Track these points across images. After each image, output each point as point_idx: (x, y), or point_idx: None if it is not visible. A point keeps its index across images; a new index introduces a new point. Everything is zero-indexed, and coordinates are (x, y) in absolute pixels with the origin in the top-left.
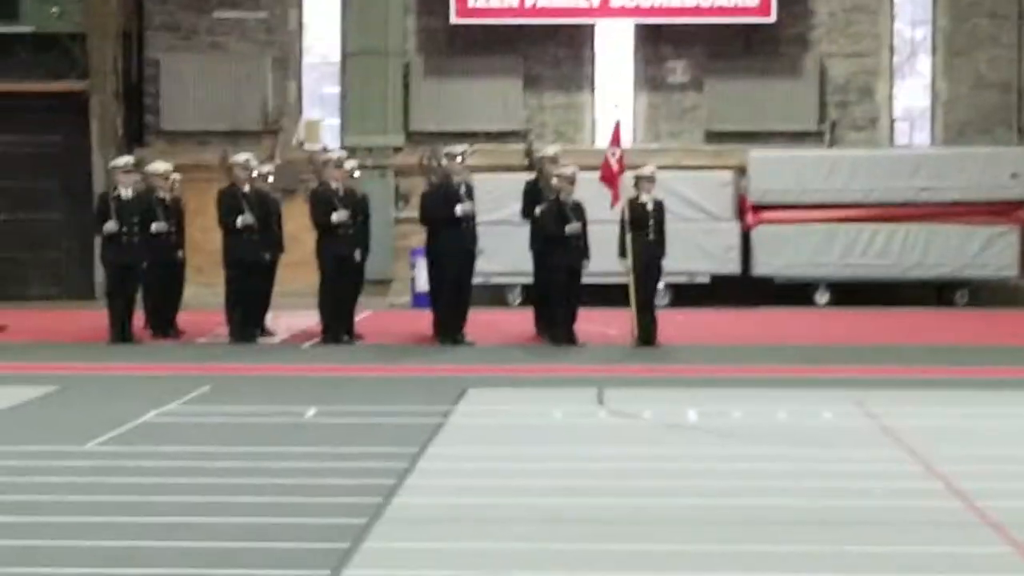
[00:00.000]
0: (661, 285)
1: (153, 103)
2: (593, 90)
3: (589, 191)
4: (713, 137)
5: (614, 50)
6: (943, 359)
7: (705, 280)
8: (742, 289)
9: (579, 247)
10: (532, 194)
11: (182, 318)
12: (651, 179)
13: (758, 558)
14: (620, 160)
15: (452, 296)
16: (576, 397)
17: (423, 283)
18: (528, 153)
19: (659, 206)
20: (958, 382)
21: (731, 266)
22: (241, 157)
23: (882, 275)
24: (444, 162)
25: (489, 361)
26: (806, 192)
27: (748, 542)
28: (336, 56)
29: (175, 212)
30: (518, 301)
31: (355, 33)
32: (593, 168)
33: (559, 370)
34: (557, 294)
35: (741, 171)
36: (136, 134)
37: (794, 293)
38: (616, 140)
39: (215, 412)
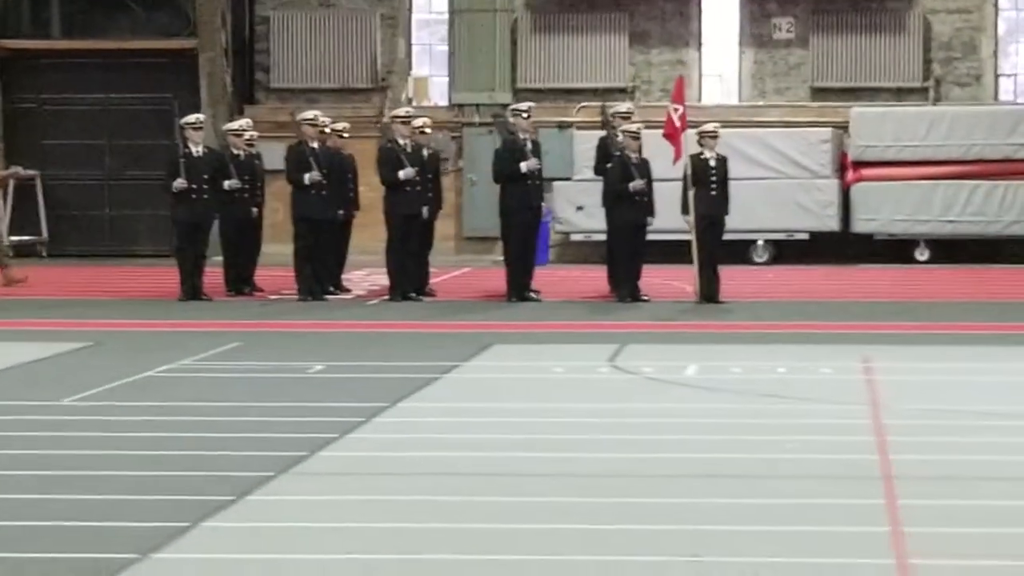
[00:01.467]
0: (760, 242)
1: (263, 61)
2: (700, 47)
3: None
4: (818, 94)
5: (720, 6)
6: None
7: (804, 237)
8: (842, 246)
9: (644, 204)
10: (603, 150)
11: (270, 275)
12: (714, 135)
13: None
14: (683, 117)
15: (519, 252)
16: (593, 353)
17: None
18: (603, 110)
19: (722, 162)
20: (1003, 337)
21: (830, 223)
22: (310, 113)
23: (981, 232)
24: (511, 119)
25: (534, 318)
26: (906, 149)
27: (626, 495)
28: (445, 13)
29: (250, 169)
30: None
31: None
32: (698, 125)
33: (596, 326)
34: (619, 250)
35: (846, 128)
36: (246, 92)
37: (895, 250)
38: (679, 97)
39: (225, 367)
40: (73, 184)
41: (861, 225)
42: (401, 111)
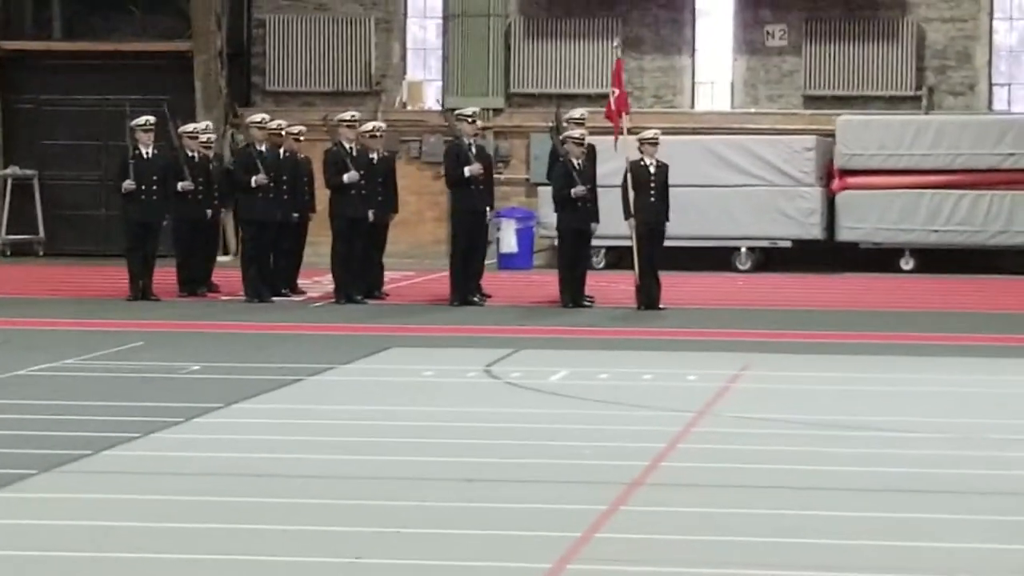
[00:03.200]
0: (743, 249)
1: (259, 64)
2: (693, 54)
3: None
4: (811, 101)
5: (713, 13)
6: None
7: (787, 245)
8: (827, 254)
9: (587, 209)
10: (555, 155)
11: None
12: (654, 142)
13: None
14: (620, 99)
15: (464, 256)
16: (478, 358)
17: (509, 245)
18: (556, 115)
19: (662, 169)
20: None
21: (813, 231)
22: (258, 116)
23: (966, 241)
24: (456, 123)
25: (449, 322)
26: (892, 157)
27: (377, 498)
28: (439, 17)
29: (204, 171)
30: (601, 264)
31: None
32: (691, 132)
33: (502, 331)
34: (563, 255)
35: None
36: (243, 95)
37: (880, 259)
38: (617, 80)
39: (100, 367)
40: (70, 184)
41: (846, 233)
42: (347, 115)
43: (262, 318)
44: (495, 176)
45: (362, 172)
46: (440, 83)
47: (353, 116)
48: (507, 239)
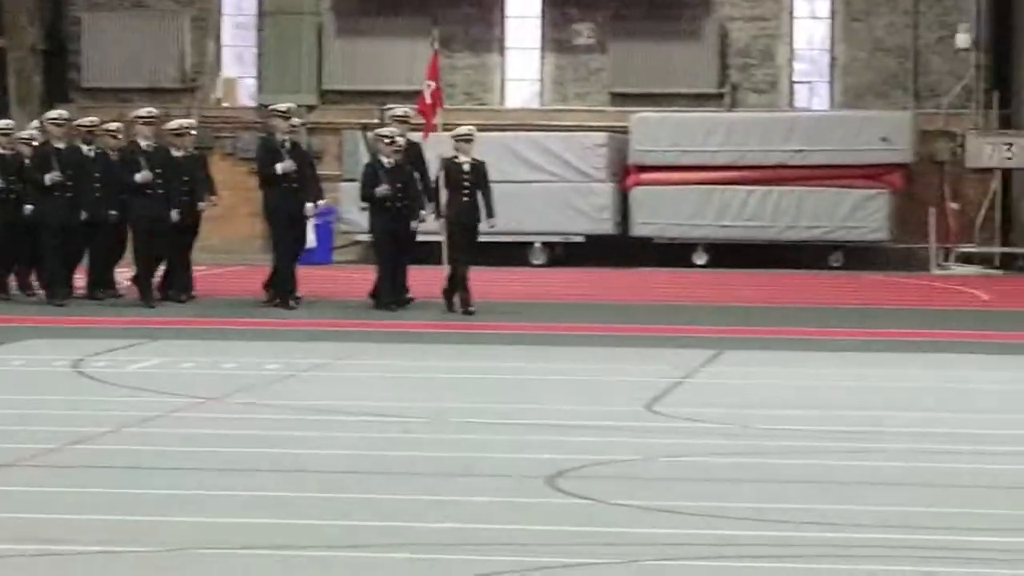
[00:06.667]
0: (537, 244)
1: (76, 60)
2: (503, 52)
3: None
4: (617, 99)
5: (522, 12)
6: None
7: (580, 240)
8: (621, 249)
9: (397, 209)
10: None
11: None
12: (468, 138)
13: None
14: (435, 94)
15: (290, 255)
16: (92, 348)
17: (308, 240)
18: (380, 112)
19: (477, 167)
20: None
21: (605, 226)
22: (54, 113)
23: (755, 236)
24: (270, 120)
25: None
26: (685, 153)
27: None
28: (254, 15)
29: (15, 168)
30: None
31: None
32: (501, 129)
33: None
34: (376, 256)
35: None
36: (60, 91)
37: (674, 254)
38: (432, 73)
39: None
40: None
41: (640, 229)
42: (143, 111)
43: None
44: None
45: (158, 171)
46: (255, 80)
47: (150, 112)
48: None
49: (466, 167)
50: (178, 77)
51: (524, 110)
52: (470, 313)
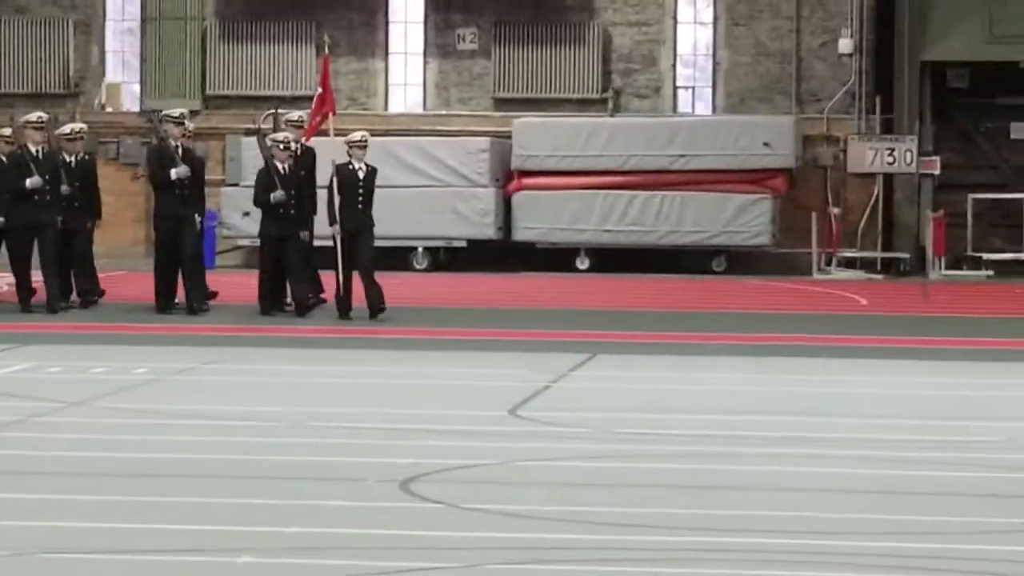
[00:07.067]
0: (420, 249)
1: None
2: (386, 56)
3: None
4: (501, 104)
5: (406, 17)
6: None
7: (462, 244)
8: (504, 254)
9: (289, 215)
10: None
11: None
12: (363, 144)
13: None
14: (323, 97)
15: (168, 262)
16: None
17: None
18: (274, 117)
19: (371, 173)
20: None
21: (487, 231)
22: None
23: (637, 241)
24: (163, 125)
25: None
26: (567, 159)
27: None
28: (137, 20)
29: None
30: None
31: None
32: (385, 134)
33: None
34: (261, 261)
35: None
36: None
37: (557, 259)
38: (324, 79)
39: None
40: None
41: (522, 233)
42: (33, 116)
43: None
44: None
45: (47, 176)
46: (139, 85)
47: (40, 117)
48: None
49: (360, 174)
50: (62, 82)
51: (408, 115)
52: (381, 310)
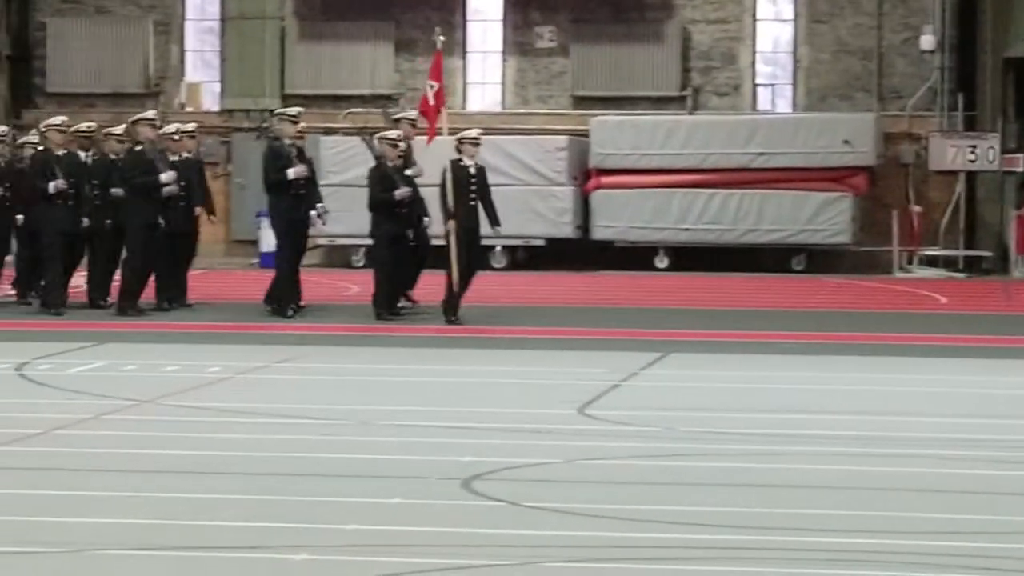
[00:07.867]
0: (498, 248)
1: (41, 66)
2: (464, 55)
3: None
4: (579, 102)
5: (484, 16)
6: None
7: (541, 243)
8: (582, 253)
9: (404, 215)
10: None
11: None
12: (476, 142)
13: None
14: (437, 94)
15: (291, 263)
16: (39, 351)
17: (268, 244)
18: (385, 115)
19: (481, 171)
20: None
21: (566, 230)
22: (57, 119)
23: (716, 240)
24: (276, 124)
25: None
26: (645, 157)
27: None
28: (217, 20)
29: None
30: (361, 263)
31: None
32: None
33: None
34: (376, 261)
35: None
36: (25, 96)
37: (635, 257)
38: (435, 73)
39: None
40: None
41: (601, 232)
42: (149, 114)
43: None
44: None
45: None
46: (218, 84)
47: (150, 116)
48: (267, 237)
49: (472, 170)
50: (142, 82)
51: (486, 114)
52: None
